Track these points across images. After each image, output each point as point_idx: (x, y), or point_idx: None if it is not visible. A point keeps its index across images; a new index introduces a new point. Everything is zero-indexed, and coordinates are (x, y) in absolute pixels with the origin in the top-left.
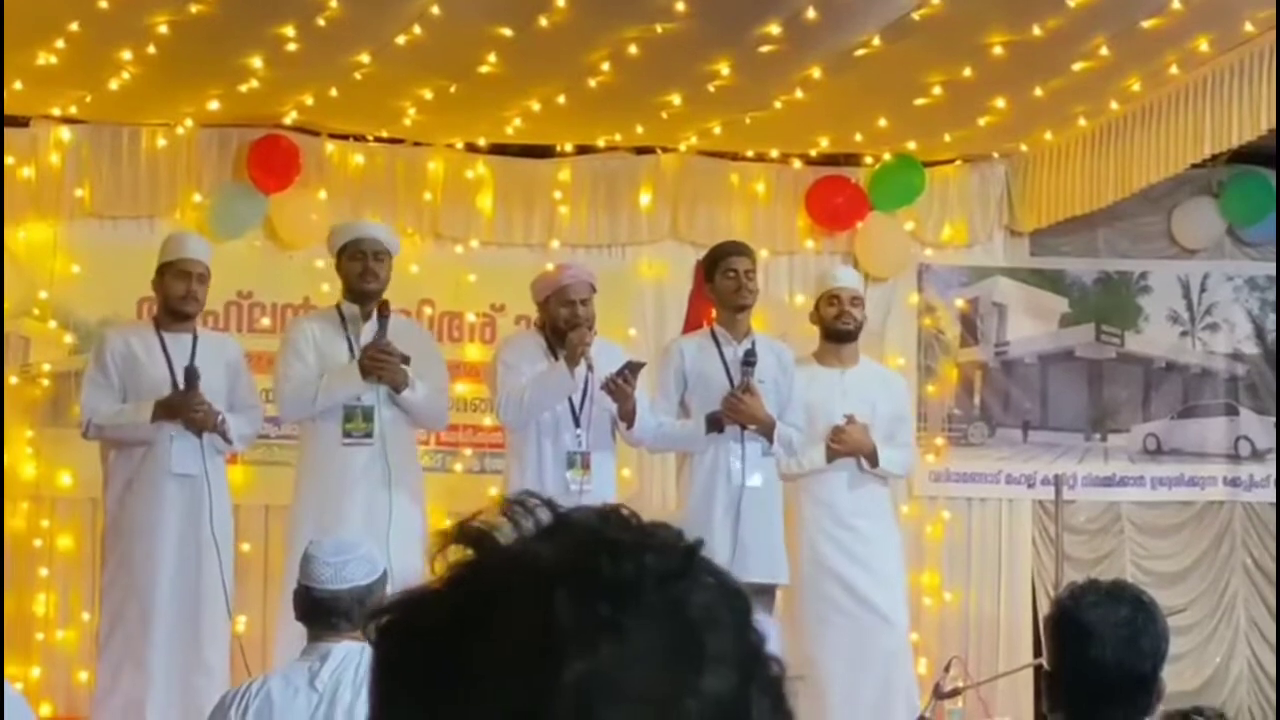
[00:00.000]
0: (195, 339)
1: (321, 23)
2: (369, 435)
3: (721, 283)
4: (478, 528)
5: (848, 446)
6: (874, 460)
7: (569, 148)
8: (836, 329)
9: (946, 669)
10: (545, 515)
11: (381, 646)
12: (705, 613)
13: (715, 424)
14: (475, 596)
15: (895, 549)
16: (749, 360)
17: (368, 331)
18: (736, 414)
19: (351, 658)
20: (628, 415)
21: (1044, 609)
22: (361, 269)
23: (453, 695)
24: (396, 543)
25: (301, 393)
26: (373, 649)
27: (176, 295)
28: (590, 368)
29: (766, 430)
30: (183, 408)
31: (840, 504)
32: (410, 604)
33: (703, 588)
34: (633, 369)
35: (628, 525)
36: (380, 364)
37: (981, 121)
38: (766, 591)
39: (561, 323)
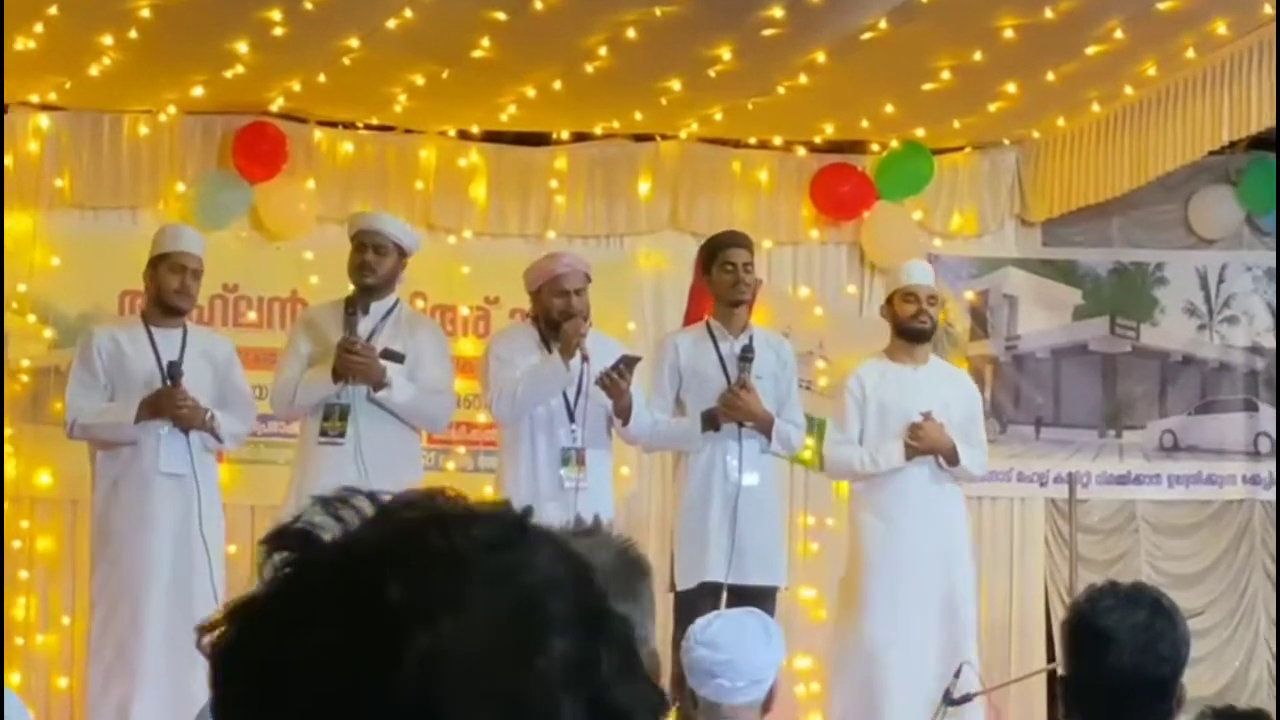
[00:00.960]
0: (185, 334)
1: (309, 6)
2: (341, 435)
3: (718, 275)
4: (299, 528)
5: (926, 444)
6: (952, 458)
7: (565, 135)
8: (913, 328)
9: (956, 674)
10: (367, 506)
11: (214, 664)
12: (543, 577)
13: (711, 422)
14: (304, 593)
15: (967, 557)
16: (746, 355)
17: (368, 324)
18: (733, 411)
19: None
20: (623, 411)
21: (1057, 611)
22: (359, 261)
23: (294, 697)
24: None
25: (284, 390)
26: (209, 668)
27: (170, 290)
28: (585, 360)
29: (764, 427)
30: (167, 404)
31: (916, 503)
32: (238, 612)
33: (537, 553)
34: (628, 364)
35: (453, 502)
36: (349, 363)
37: (992, 107)
38: (766, 594)
39: (555, 314)
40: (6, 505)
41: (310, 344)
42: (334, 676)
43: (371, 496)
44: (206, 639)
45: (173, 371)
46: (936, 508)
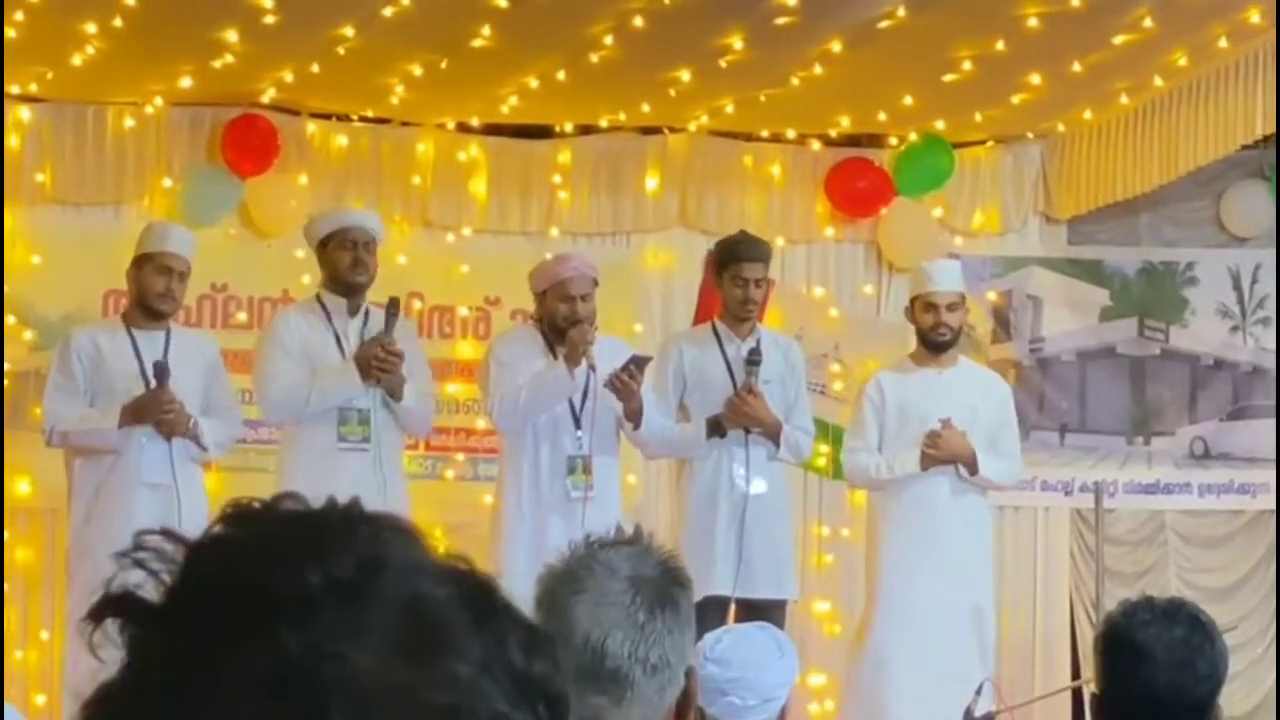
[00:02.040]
0: (169, 336)
1: None
2: (366, 440)
3: (728, 286)
4: (120, 595)
5: (944, 453)
6: (973, 468)
7: (569, 128)
8: (933, 340)
9: (978, 692)
10: (180, 551)
11: None
12: (431, 604)
13: (717, 428)
14: (184, 662)
15: (987, 569)
16: (753, 359)
17: (355, 326)
18: (739, 417)
19: None
20: (634, 414)
21: (1082, 627)
22: (352, 260)
23: None
24: None
25: (293, 394)
26: None
27: (154, 292)
28: (592, 367)
29: (772, 434)
30: (151, 408)
31: (936, 514)
32: (103, 701)
33: (397, 553)
34: (638, 364)
35: (275, 521)
36: (385, 366)
37: (1015, 99)
38: (775, 608)
39: (560, 319)
40: None
41: (298, 348)
42: None
43: (171, 535)
44: None
45: (159, 372)
46: (957, 519)
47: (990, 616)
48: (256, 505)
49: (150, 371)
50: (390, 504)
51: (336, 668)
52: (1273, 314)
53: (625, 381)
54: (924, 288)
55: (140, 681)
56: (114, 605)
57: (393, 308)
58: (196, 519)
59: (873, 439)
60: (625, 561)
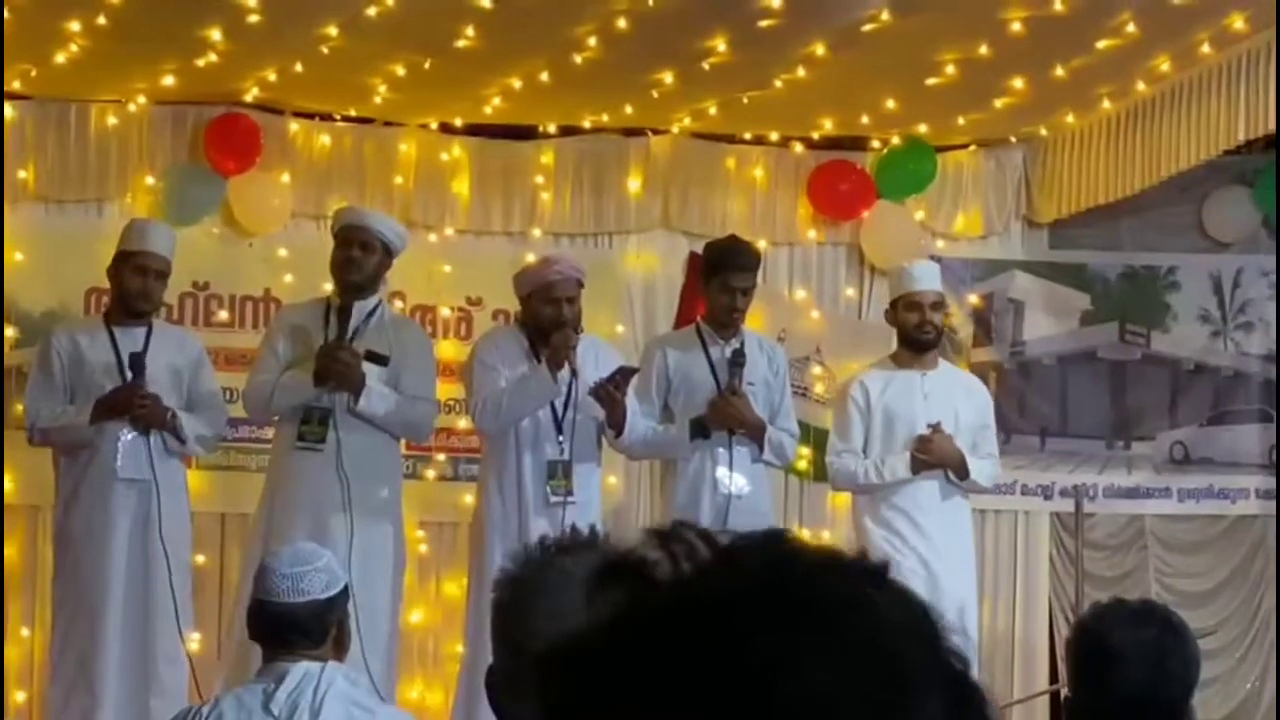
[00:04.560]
0: (150, 332)
1: None
2: (321, 440)
3: (715, 293)
4: (633, 563)
5: (935, 457)
6: (961, 471)
7: (552, 129)
8: (918, 339)
9: None
10: (704, 548)
11: (546, 704)
12: (901, 638)
13: (700, 430)
14: (650, 645)
15: (971, 570)
16: (737, 360)
17: (348, 327)
18: (723, 418)
19: (310, 678)
20: (617, 423)
21: (1061, 631)
22: (343, 257)
23: None
24: (359, 565)
25: (260, 392)
26: (539, 702)
27: (131, 291)
28: (574, 372)
29: (756, 435)
30: (124, 401)
31: (924, 517)
32: (571, 656)
33: (895, 610)
34: (624, 375)
35: (803, 550)
36: (332, 366)
37: (998, 103)
38: None
39: (545, 322)
40: None
41: (289, 344)
42: None
43: (704, 535)
44: (538, 684)
45: (134, 364)
46: (944, 521)
47: (973, 616)
48: (798, 538)
49: (127, 364)
50: (359, 508)
51: (792, 677)
52: (1253, 319)
53: (610, 392)
54: (907, 287)
55: (621, 647)
56: (628, 573)
57: (343, 308)
58: (175, 516)
59: (858, 442)
60: (582, 567)
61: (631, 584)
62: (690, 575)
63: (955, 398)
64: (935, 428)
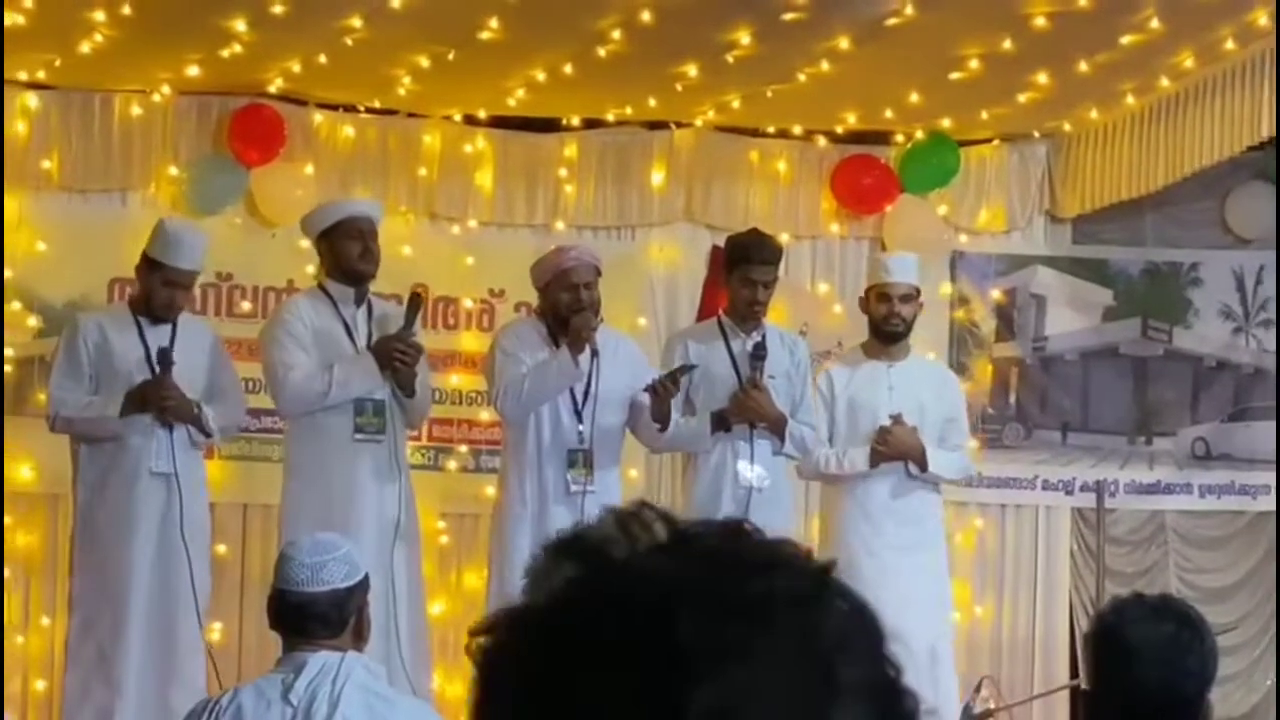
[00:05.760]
0: (175, 324)
1: None
2: (381, 431)
3: (737, 286)
4: (589, 540)
5: (894, 449)
6: (923, 464)
7: (576, 121)
8: (886, 330)
9: (977, 689)
10: (662, 530)
11: (483, 671)
12: (839, 639)
13: (722, 422)
14: (588, 616)
15: (941, 560)
16: (758, 353)
17: (361, 315)
18: (744, 411)
19: (329, 668)
20: (664, 416)
21: (1082, 626)
22: (361, 249)
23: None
24: (403, 546)
25: (309, 386)
26: (474, 672)
27: (157, 303)
28: (595, 353)
29: (777, 428)
30: (153, 395)
31: (884, 510)
32: (516, 624)
33: (836, 612)
34: (685, 372)
35: (755, 542)
36: (405, 359)
37: (1022, 98)
38: None
39: (564, 309)
40: None
41: (310, 336)
42: (611, 709)
43: (665, 517)
44: (475, 642)
45: (163, 359)
46: (906, 514)
47: (947, 605)
48: (756, 530)
49: (155, 358)
50: (404, 494)
51: (713, 672)
52: (1275, 316)
53: (669, 386)
54: (880, 278)
55: (558, 618)
56: (583, 550)
57: (415, 301)
58: (196, 509)
59: (824, 431)
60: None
61: (584, 560)
62: (640, 556)
63: (921, 390)
64: (896, 419)
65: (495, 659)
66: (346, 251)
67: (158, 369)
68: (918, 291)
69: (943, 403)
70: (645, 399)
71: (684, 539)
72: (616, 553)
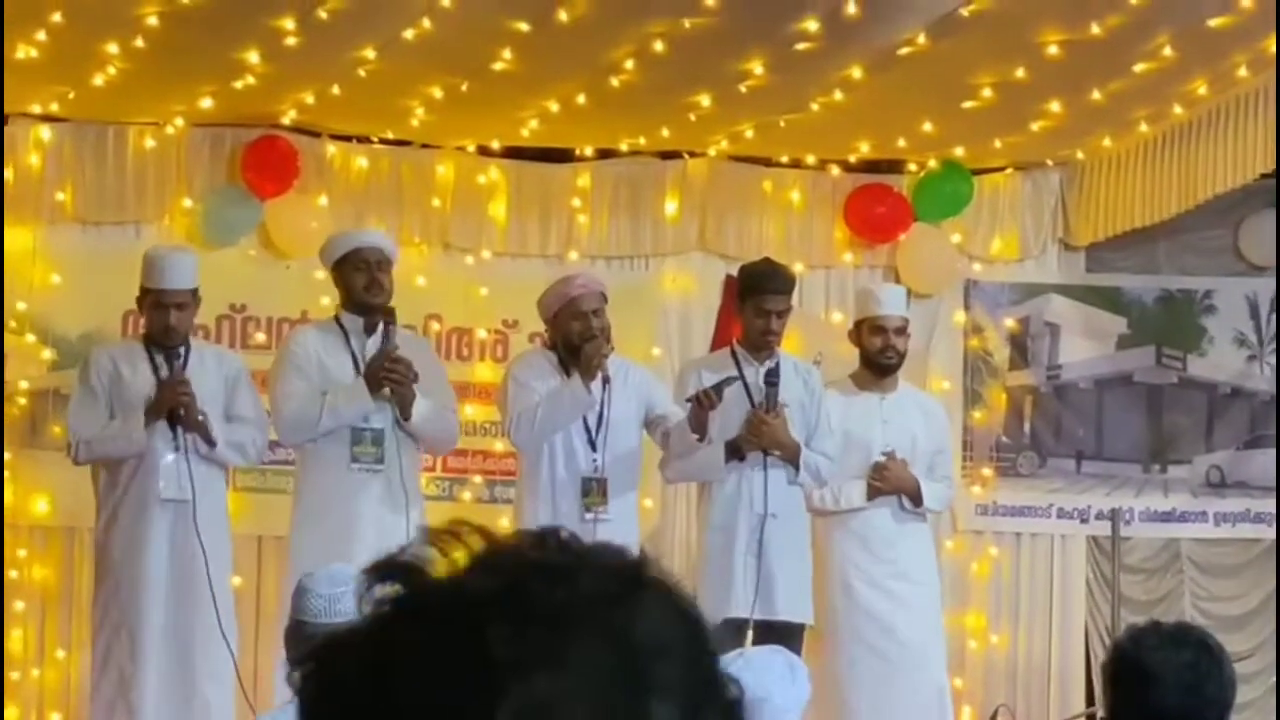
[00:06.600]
0: (187, 352)
1: (323, 15)
2: (379, 461)
3: (750, 316)
4: (404, 561)
5: (890, 485)
6: (917, 499)
7: (589, 151)
8: (880, 363)
9: (993, 718)
10: (477, 543)
11: (304, 697)
12: (651, 638)
13: (736, 451)
14: (401, 634)
15: (935, 590)
16: (771, 380)
17: (372, 346)
18: (758, 439)
19: None
20: (701, 427)
21: (1098, 654)
22: (367, 280)
23: None
24: None
25: (304, 413)
26: (298, 703)
27: (155, 329)
28: (606, 381)
29: (791, 456)
30: (169, 393)
31: (881, 543)
32: (333, 647)
33: (648, 611)
34: (729, 383)
35: (565, 548)
36: (392, 375)
37: (1035, 126)
38: (794, 631)
39: (575, 337)
40: (4, 533)
41: (315, 368)
42: None
43: (481, 531)
44: (295, 673)
45: (172, 362)
46: (901, 547)
47: (939, 631)
48: (571, 535)
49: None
50: (412, 522)
51: (521, 681)
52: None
53: (711, 397)
54: (872, 311)
55: (371, 642)
56: (397, 571)
57: (387, 317)
58: (216, 536)
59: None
60: None
61: (400, 579)
62: (454, 573)
63: (913, 422)
64: (890, 455)
65: (318, 687)
66: (353, 282)
67: (167, 373)
68: (907, 323)
69: (932, 435)
70: (661, 414)
71: (497, 552)
72: (431, 571)
